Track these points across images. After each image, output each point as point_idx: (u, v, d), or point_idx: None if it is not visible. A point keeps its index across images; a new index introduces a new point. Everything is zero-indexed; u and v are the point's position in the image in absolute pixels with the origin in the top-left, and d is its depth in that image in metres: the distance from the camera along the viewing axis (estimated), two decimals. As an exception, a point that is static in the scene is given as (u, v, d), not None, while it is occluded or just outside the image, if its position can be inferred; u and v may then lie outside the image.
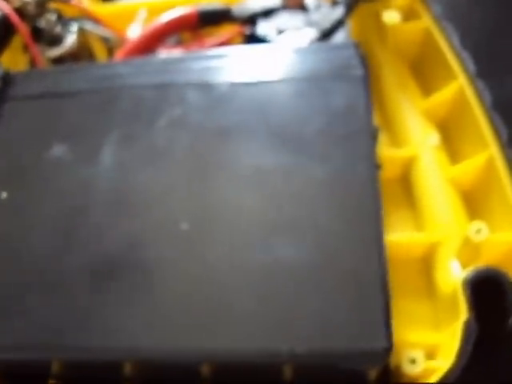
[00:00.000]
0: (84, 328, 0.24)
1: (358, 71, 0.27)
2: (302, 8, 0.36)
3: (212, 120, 0.28)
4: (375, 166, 0.25)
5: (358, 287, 0.23)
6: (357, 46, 0.29)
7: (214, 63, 0.30)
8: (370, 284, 0.22)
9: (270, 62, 0.30)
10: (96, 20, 0.39)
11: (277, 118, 0.27)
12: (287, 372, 0.25)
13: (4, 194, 0.27)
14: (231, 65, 0.30)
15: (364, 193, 0.24)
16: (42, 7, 0.37)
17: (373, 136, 0.26)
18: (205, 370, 0.25)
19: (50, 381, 0.27)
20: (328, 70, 0.28)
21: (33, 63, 0.38)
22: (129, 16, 0.42)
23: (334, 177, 0.25)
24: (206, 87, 0.29)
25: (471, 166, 0.34)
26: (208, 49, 0.37)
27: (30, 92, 0.31)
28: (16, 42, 0.40)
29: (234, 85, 0.29)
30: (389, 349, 0.22)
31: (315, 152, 0.26)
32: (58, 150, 0.28)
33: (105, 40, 0.40)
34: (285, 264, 0.23)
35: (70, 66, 0.35)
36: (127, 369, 0.26)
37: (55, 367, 0.27)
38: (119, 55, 0.37)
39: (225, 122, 0.27)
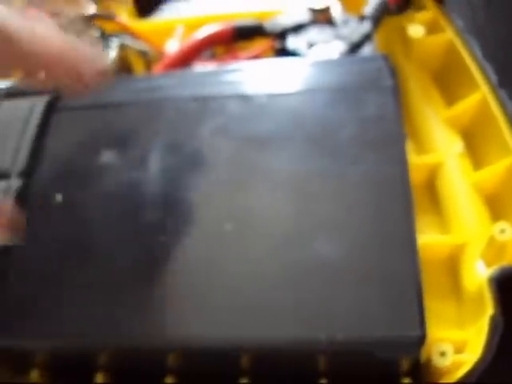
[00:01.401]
0: (134, 319, 0.26)
1: (389, 82, 0.29)
2: (331, 23, 0.38)
3: (251, 129, 0.29)
4: (407, 170, 0.26)
5: (394, 282, 0.24)
6: (386, 57, 0.31)
7: (250, 75, 0.32)
8: (404, 277, 0.24)
9: (304, 73, 0.31)
10: (135, 35, 0.41)
11: (312, 127, 0.28)
12: (322, 362, 0.26)
13: (59, 197, 0.29)
14: (267, 77, 0.32)
15: (397, 195, 0.26)
16: (86, 24, 0.39)
17: (404, 142, 0.27)
18: (245, 360, 0.27)
19: (98, 373, 0.29)
20: (359, 81, 0.29)
21: None
22: (166, 31, 0.43)
23: (368, 180, 0.26)
24: (244, 98, 0.31)
25: (494, 171, 0.34)
26: (242, 62, 0.39)
27: (78, 104, 0.33)
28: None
29: (270, 96, 0.30)
30: (423, 337, 0.23)
31: (349, 157, 0.27)
32: (107, 157, 0.30)
33: (143, 54, 0.41)
34: (323, 261, 0.25)
35: (115, 79, 0.37)
36: (171, 360, 0.28)
37: (103, 358, 0.29)
38: (158, 69, 0.38)
39: (263, 131, 0.29)
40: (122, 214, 0.28)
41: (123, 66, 0.41)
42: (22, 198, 0.29)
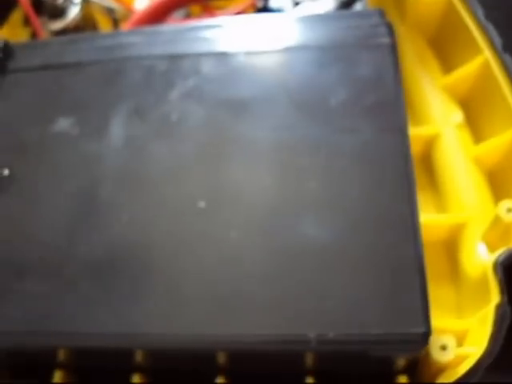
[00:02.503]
0: (94, 314, 0.23)
1: (386, 39, 0.26)
2: None
3: (229, 91, 0.26)
4: (408, 140, 0.24)
5: (394, 270, 0.22)
6: (382, 13, 0.28)
7: (228, 31, 0.29)
8: (407, 267, 0.21)
9: (291, 29, 0.28)
10: None
11: (299, 89, 0.26)
12: (310, 361, 0.24)
13: (6, 171, 0.26)
14: (247, 33, 0.28)
15: (397, 167, 0.23)
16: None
17: (404, 108, 0.24)
18: (226, 358, 0.24)
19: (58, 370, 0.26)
20: (353, 38, 0.27)
21: (34, 37, 0.37)
22: None
23: (363, 150, 0.23)
24: (221, 57, 0.27)
25: (496, 144, 0.33)
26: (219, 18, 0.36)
27: (32, 63, 0.30)
28: (17, 15, 0.39)
29: (250, 54, 0.27)
30: (428, 334, 0.20)
31: (342, 125, 0.24)
32: (63, 124, 0.27)
33: (109, 11, 0.38)
34: (312, 245, 0.22)
35: (74, 35, 0.34)
36: (139, 357, 0.25)
37: (63, 355, 0.26)
38: (125, 28, 0.35)
39: (243, 94, 0.26)
40: (79, 191, 0.25)
41: (87, 24, 0.37)
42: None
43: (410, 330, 0.20)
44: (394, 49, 0.26)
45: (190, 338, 0.22)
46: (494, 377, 0.25)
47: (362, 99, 0.25)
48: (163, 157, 0.25)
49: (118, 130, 0.26)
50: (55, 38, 0.34)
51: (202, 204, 0.24)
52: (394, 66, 0.25)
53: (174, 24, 0.35)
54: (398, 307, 0.21)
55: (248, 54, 0.27)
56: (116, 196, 0.25)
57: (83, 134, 0.26)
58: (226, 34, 0.28)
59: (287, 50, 0.27)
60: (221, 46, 0.28)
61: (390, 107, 0.24)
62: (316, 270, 0.22)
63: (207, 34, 0.29)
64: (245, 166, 0.24)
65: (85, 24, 0.37)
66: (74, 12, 0.36)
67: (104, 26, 0.40)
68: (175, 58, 0.28)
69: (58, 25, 0.36)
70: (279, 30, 0.28)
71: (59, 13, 0.37)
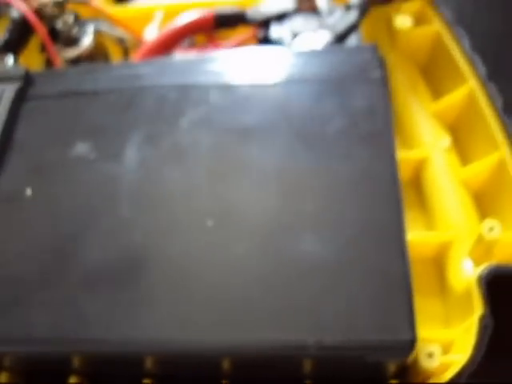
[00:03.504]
0: (107, 321, 0.25)
1: (378, 73, 0.29)
2: (316, 11, 0.38)
3: (234, 120, 0.29)
4: (397, 166, 0.26)
5: (383, 282, 0.24)
6: (375, 48, 0.30)
7: (233, 64, 0.31)
8: (395, 279, 0.23)
9: (290, 63, 0.31)
10: (112, 21, 0.40)
11: (298, 119, 0.28)
12: (308, 365, 0.26)
13: (29, 191, 0.28)
14: (251, 66, 0.31)
15: (386, 190, 0.25)
16: (59, 8, 0.38)
17: (394, 137, 0.27)
18: (226, 364, 0.26)
19: (72, 378, 0.28)
20: (347, 72, 0.29)
21: (49, 63, 0.39)
22: (144, 18, 0.42)
23: (356, 175, 0.26)
24: (227, 88, 0.30)
25: (482, 167, 0.35)
26: (224, 50, 0.38)
27: (51, 91, 0.32)
28: (32, 43, 0.41)
29: (254, 86, 0.29)
30: (414, 341, 0.22)
31: (338, 151, 0.27)
32: (81, 148, 0.29)
33: (120, 41, 0.41)
34: (310, 259, 0.24)
35: (90, 65, 0.36)
36: (148, 363, 0.27)
37: (76, 362, 0.28)
38: (136, 57, 0.38)
39: (247, 122, 0.28)
40: (96, 210, 0.27)
41: (99, 53, 0.40)
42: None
43: (397, 337, 0.22)
44: (385, 82, 0.28)
45: (196, 344, 0.24)
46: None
47: (355, 129, 0.27)
48: (174, 179, 0.27)
49: (132, 154, 0.28)
50: (72, 68, 0.36)
51: (210, 222, 0.26)
52: (386, 99, 0.28)
53: (182, 55, 0.37)
54: (388, 317, 0.23)
55: (252, 86, 0.29)
56: (131, 213, 0.27)
57: (100, 158, 0.28)
58: (231, 67, 0.31)
59: (288, 82, 0.30)
60: (227, 78, 0.30)
61: (380, 136, 0.27)
62: (313, 282, 0.24)
63: (214, 66, 0.31)
64: (249, 188, 0.27)
65: (97, 52, 0.39)
66: (87, 41, 0.38)
67: (115, 54, 0.42)
68: (185, 89, 0.30)
69: (72, 53, 0.38)
70: (280, 63, 0.31)
71: (73, 41, 0.39)
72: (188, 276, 0.25)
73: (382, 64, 0.29)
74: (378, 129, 0.27)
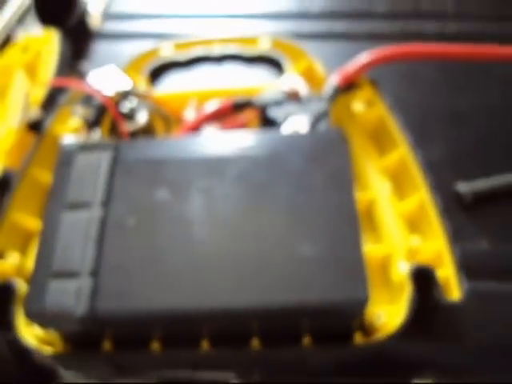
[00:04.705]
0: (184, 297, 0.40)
1: (344, 147, 0.45)
2: (299, 100, 0.54)
3: (254, 178, 0.44)
4: (356, 201, 0.42)
5: (350, 267, 0.38)
6: (341, 130, 0.47)
7: (239, 144, 0.46)
8: (357, 264, 0.38)
9: (283, 141, 0.46)
10: (158, 103, 0.56)
11: (289, 176, 0.43)
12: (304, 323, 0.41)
13: (132, 222, 0.43)
14: (251, 144, 0.46)
15: (351, 218, 0.41)
16: (127, 96, 0.54)
17: (354, 186, 0.43)
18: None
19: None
20: (324, 146, 0.44)
21: (112, 133, 0.54)
22: (180, 100, 0.57)
23: (330, 208, 0.41)
24: (249, 158, 0.45)
25: (411, 202, 0.48)
26: (235, 129, 0.53)
27: (134, 157, 0.46)
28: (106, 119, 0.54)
29: (265, 156, 0.46)
30: (368, 299, 0.38)
31: (317, 195, 0.42)
32: (162, 194, 0.44)
33: (164, 118, 0.55)
34: (301, 253, 0.39)
35: (160, 139, 0.49)
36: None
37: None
38: (179, 132, 0.52)
39: (258, 180, 0.43)
40: (174, 235, 0.42)
41: (150, 128, 0.53)
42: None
43: (358, 296, 0.38)
44: (348, 153, 0.44)
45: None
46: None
47: (331, 180, 0.42)
48: (223, 216, 0.42)
49: (195, 199, 0.43)
50: (145, 140, 0.50)
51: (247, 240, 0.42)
52: (349, 161, 0.43)
53: (216, 134, 0.51)
54: (352, 286, 0.38)
55: (263, 156, 0.45)
56: (199, 238, 0.41)
57: (175, 201, 0.43)
58: (249, 144, 0.46)
59: (281, 153, 0.44)
60: (249, 151, 0.45)
61: (347, 183, 0.42)
62: (301, 270, 0.39)
63: (242, 142, 0.46)
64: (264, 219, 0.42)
65: (149, 127, 0.53)
66: (143, 118, 0.52)
67: (160, 129, 0.54)
68: (220, 158, 0.45)
69: (132, 127, 0.51)
70: (277, 142, 0.46)
71: (133, 118, 0.51)
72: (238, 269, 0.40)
73: (346, 141, 0.45)
74: (345, 179, 0.42)
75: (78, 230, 0.42)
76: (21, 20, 0.77)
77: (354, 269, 0.39)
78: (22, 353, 0.43)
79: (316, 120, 0.50)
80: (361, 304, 0.39)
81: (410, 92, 0.60)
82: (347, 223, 0.41)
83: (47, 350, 0.43)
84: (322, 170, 0.44)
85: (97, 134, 0.49)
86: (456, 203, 0.52)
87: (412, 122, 0.53)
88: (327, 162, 0.44)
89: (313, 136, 0.46)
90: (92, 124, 0.52)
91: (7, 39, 0.73)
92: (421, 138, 0.52)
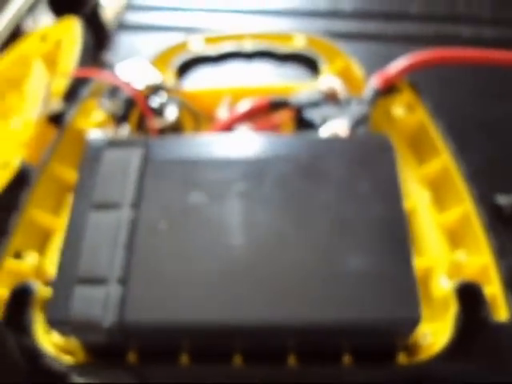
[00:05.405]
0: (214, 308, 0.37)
1: (392, 154, 0.42)
2: (338, 102, 0.51)
3: (295, 181, 0.41)
4: (405, 215, 0.39)
5: (400, 285, 0.36)
6: (387, 137, 0.43)
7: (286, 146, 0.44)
8: (409, 286, 0.36)
9: (330, 146, 0.44)
10: (188, 100, 0.53)
11: (339, 184, 0.40)
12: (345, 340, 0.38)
13: (164, 225, 0.40)
14: (307, 147, 0.44)
15: (401, 230, 0.39)
16: (156, 90, 0.51)
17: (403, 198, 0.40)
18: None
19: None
20: (369, 154, 0.42)
21: (142, 130, 0.52)
22: (211, 96, 0.54)
23: (381, 220, 0.38)
24: (290, 160, 0.42)
25: (453, 214, 0.47)
26: (268, 130, 0.51)
27: (165, 156, 0.43)
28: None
29: (309, 158, 0.43)
30: (420, 318, 0.35)
31: (368, 206, 0.39)
32: (196, 197, 0.41)
33: (194, 115, 0.52)
34: (350, 269, 0.37)
35: (193, 137, 0.46)
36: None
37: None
38: (212, 131, 0.49)
39: (303, 186, 0.41)
40: (208, 238, 0.39)
41: (179, 125, 0.51)
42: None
43: (410, 315, 0.35)
44: (395, 159, 0.41)
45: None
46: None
47: (379, 190, 0.40)
48: (262, 222, 0.40)
49: (233, 203, 0.40)
50: (176, 138, 0.47)
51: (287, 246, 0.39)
52: (396, 171, 0.41)
53: (253, 134, 0.48)
54: (403, 304, 0.36)
55: (304, 160, 0.42)
56: (234, 241, 0.39)
57: (211, 205, 0.40)
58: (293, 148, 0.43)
59: (329, 157, 0.42)
60: (288, 154, 0.43)
61: (394, 197, 0.39)
62: (354, 285, 0.36)
63: (281, 145, 0.43)
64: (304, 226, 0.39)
65: (178, 123, 0.50)
66: (173, 114, 0.49)
67: (189, 125, 0.52)
68: (258, 160, 0.42)
69: (161, 123, 0.49)
70: (318, 146, 0.43)
71: (161, 112, 0.49)
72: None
73: (393, 148, 0.42)
74: (393, 188, 0.40)
75: (106, 233, 0.40)
76: (31, 9, 0.74)
77: (405, 285, 0.37)
78: (35, 359, 0.40)
79: (356, 124, 0.47)
80: (413, 324, 0.36)
81: (445, 98, 0.57)
82: (396, 236, 0.39)
83: (67, 359, 0.40)
84: (369, 178, 0.41)
85: (125, 130, 0.46)
86: (495, 215, 0.51)
87: (447, 130, 0.51)
88: (374, 169, 0.41)
89: (357, 142, 0.44)
90: (119, 119, 0.49)
91: (18, 29, 0.71)
92: (456, 147, 0.50)
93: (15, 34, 0.72)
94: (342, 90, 0.51)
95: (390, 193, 0.41)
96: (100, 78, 0.52)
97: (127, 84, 0.49)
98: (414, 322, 0.36)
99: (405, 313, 0.36)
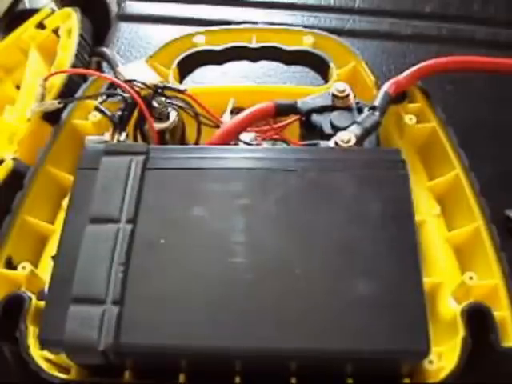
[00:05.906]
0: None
1: (404, 172, 0.40)
2: (349, 108, 0.49)
3: (299, 195, 0.39)
4: (416, 232, 0.37)
5: (409, 312, 0.35)
6: (400, 152, 0.42)
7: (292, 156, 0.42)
8: (417, 313, 0.34)
9: (338, 157, 0.42)
10: (190, 101, 0.50)
11: (337, 208, 0.39)
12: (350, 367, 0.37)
13: (162, 240, 0.38)
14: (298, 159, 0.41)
15: (409, 254, 0.37)
16: (156, 91, 0.48)
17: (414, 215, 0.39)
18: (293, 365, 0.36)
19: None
20: (380, 169, 0.40)
21: (140, 131, 0.49)
22: (214, 96, 0.51)
23: (391, 237, 0.37)
24: (296, 174, 0.40)
25: (464, 232, 0.45)
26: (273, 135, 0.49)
27: (166, 164, 0.42)
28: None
29: (317, 171, 0.41)
30: (429, 350, 0.34)
31: (377, 223, 0.37)
32: (197, 210, 0.39)
33: (195, 116, 0.49)
34: (357, 294, 0.35)
35: (195, 147, 0.45)
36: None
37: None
38: (216, 136, 0.46)
39: (312, 199, 0.39)
40: (211, 252, 0.37)
41: (179, 127, 0.49)
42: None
43: (419, 347, 0.34)
44: (408, 177, 0.40)
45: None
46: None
47: (390, 206, 0.38)
48: (266, 240, 0.38)
49: (234, 216, 0.38)
50: (181, 147, 0.46)
51: (297, 270, 0.37)
52: (409, 189, 0.39)
53: (259, 144, 0.47)
54: (412, 335, 0.34)
55: (311, 174, 0.40)
56: (235, 267, 0.36)
57: (213, 220, 0.38)
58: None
59: (336, 171, 0.40)
60: (295, 167, 0.41)
61: (405, 215, 0.38)
62: (362, 313, 0.34)
63: (287, 156, 0.41)
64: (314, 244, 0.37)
65: (178, 126, 0.48)
66: (173, 117, 0.47)
67: (190, 128, 0.50)
68: (264, 172, 0.40)
69: (160, 126, 0.47)
70: (327, 158, 0.41)
71: (162, 116, 0.47)
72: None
73: (406, 165, 0.41)
74: (405, 208, 0.38)
75: (103, 248, 0.38)
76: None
77: (414, 314, 0.35)
78: (28, 370, 0.38)
79: (367, 132, 0.45)
80: (420, 356, 0.35)
81: (456, 106, 0.55)
82: (407, 259, 0.37)
83: (60, 375, 0.38)
84: (380, 198, 0.39)
85: (123, 135, 0.44)
86: (506, 229, 0.50)
87: (469, 145, 0.49)
88: (385, 188, 0.40)
89: (368, 156, 0.41)
90: (117, 120, 0.46)
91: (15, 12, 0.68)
92: (468, 154, 0.48)
93: (14, 17, 0.69)
94: (351, 96, 0.49)
95: (402, 212, 0.39)
96: (100, 76, 0.49)
97: (127, 84, 0.47)
98: (422, 354, 0.34)
99: (413, 344, 0.34)
